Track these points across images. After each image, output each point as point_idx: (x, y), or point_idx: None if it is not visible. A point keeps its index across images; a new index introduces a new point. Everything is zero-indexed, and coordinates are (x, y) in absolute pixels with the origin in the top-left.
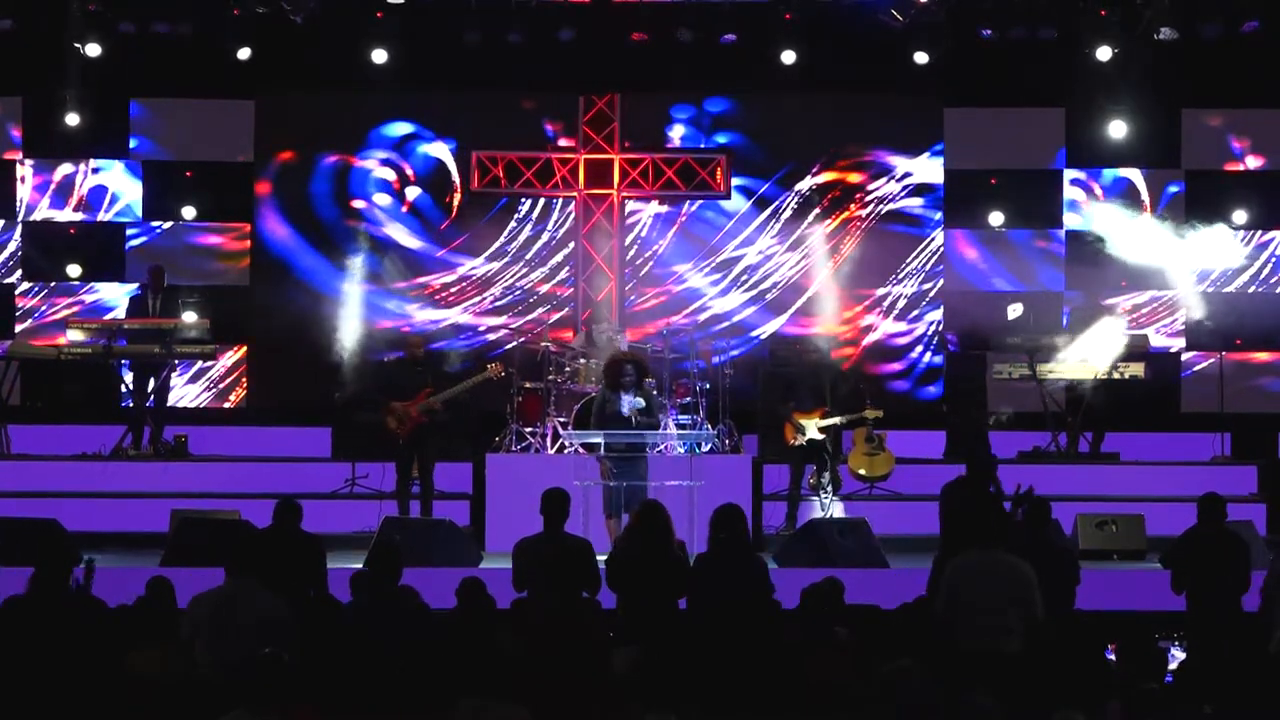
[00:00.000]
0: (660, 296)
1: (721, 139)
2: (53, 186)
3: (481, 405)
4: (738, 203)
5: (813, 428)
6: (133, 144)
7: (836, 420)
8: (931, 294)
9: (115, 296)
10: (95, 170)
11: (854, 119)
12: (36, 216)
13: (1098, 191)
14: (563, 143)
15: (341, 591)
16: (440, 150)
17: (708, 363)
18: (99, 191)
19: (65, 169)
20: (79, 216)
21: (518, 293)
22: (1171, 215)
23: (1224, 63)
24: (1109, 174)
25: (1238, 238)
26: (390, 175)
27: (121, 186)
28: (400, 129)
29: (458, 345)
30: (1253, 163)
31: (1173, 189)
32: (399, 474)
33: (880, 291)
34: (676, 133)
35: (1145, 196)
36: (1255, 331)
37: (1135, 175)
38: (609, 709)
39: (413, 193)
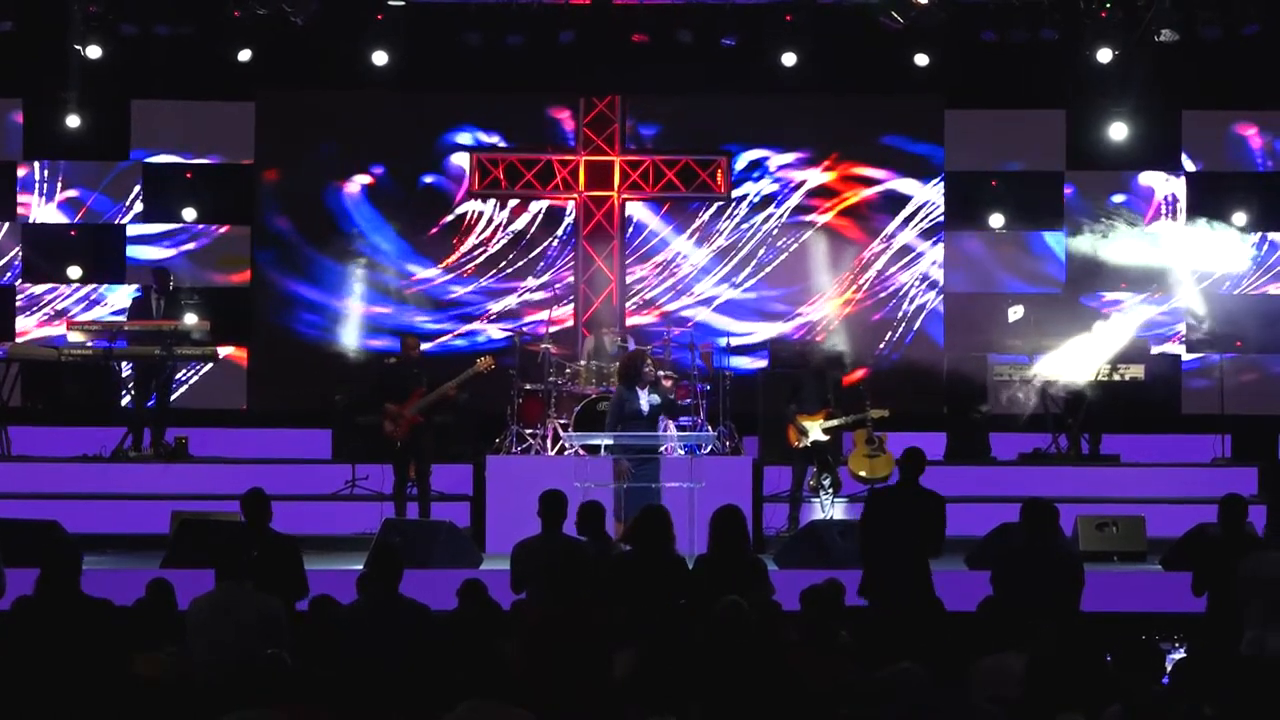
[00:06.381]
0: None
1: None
2: None
3: (481, 406)
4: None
5: (816, 429)
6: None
7: (840, 421)
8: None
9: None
10: None
11: (854, 120)
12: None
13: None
14: (563, 144)
15: (345, 593)
16: (439, 151)
17: (708, 364)
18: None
19: None
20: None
21: (518, 293)
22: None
23: (1224, 64)
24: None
25: (1243, 239)
26: (391, 176)
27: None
28: (400, 130)
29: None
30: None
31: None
32: (396, 476)
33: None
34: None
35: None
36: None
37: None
38: (609, 711)
39: (412, 193)
